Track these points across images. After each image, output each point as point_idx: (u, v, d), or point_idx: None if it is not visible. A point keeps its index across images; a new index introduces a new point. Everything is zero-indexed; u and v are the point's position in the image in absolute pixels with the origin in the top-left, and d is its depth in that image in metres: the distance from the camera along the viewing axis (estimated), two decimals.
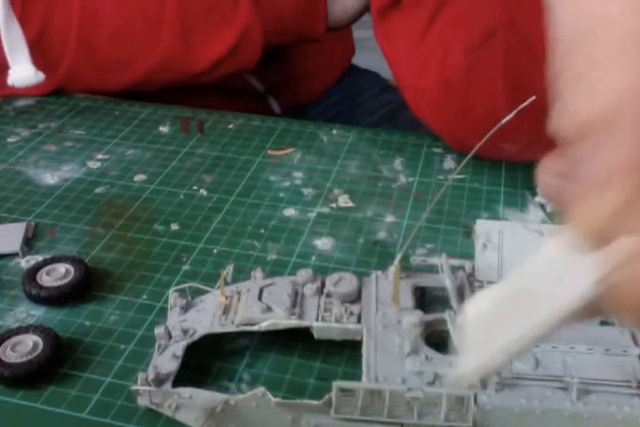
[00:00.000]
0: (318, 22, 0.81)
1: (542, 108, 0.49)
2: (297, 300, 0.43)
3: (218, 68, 0.77)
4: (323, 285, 0.44)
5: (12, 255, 0.54)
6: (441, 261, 0.44)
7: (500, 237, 0.44)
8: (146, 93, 0.79)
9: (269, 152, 0.68)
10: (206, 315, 0.44)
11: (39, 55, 0.74)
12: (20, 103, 0.77)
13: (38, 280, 0.49)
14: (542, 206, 0.59)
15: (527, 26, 0.44)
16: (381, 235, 0.56)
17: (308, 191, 0.62)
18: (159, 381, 0.40)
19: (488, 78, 0.53)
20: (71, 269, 0.50)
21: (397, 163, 0.66)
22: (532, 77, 0.47)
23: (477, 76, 0.55)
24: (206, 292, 0.46)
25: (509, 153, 0.60)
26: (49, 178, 0.64)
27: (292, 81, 0.95)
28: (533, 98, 0.38)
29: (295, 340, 0.45)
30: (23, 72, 0.71)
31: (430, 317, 0.41)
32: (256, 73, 0.82)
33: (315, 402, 0.37)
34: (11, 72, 0.70)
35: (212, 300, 0.45)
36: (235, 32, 0.75)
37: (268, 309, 0.42)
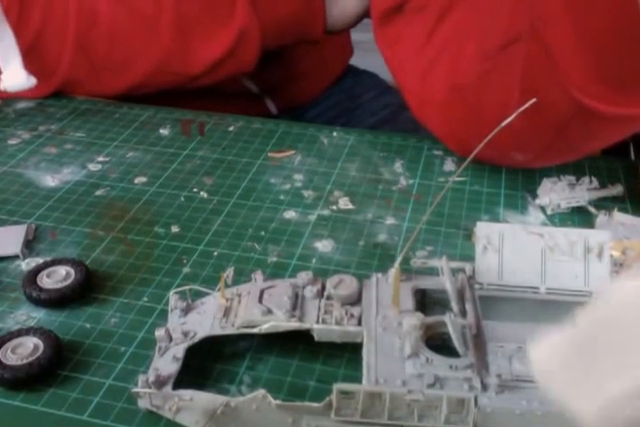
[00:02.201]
0: (316, 24, 0.81)
1: (554, 119, 0.49)
2: (297, 302, 0.43)
3: (216, 70, 0.77)
4: (323, 287, 0.44)
5: (13, 258, 0.54)
6: (441, 263, 0.44)
7: (501, 239, 0.44)
8: (142, 96, 0.79)
9: (270, 154, 0.68)
10: (207, 317, 0.44)
11: (36, 58, 0.74)
12: (21, 105, 0.77)
13: (39, 283, 0.49)
14: (543, 209, 0.59)
15: (549, 37, 0.44)
16: (382, 237, 0.56)
17: (308, 194, 0.62)
18: (160, 383, 0.40)
19: (503, 87, 0.53)
20: (72, 271, 0.50)
21: (398, 165, 0.66)
22: (549, 90, 0.47)
23: (491, 84, 0.55)
24: (207, 294, 0.46)
25: (517, 162, 0.60)
26: (49, 180, 0.64)
27: (289, 81, 0.95)
28: (534, 100, 0.38)
29: (295, 342, 0.45)
30: (15, 77, 0.71)
31: (431, 319, 0.41)
32: (252, 73, 0.82)
33: (315, 404, 0.37)
34: (2, 77, 0.70)
35: (213, 302, 0.45)
36: (232, 34, 0.75)
37: (269, 311, 0.42)
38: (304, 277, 0.45)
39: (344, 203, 0.61)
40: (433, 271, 0.46)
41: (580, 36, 0.42)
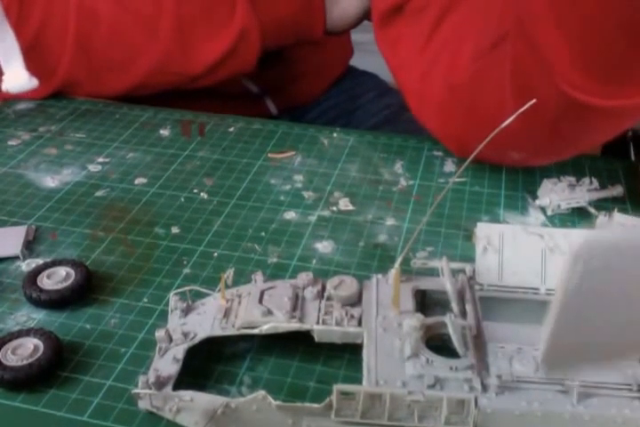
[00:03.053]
0: (316, 25, 0.81)
1: (547, 115, 0.49)
2: (297, 303, 0.43)
3: (216, 71, 0.78)
4: (323, 288, 0.44)
5: (13, 259, 0.54)
6: (441, 264, 0.44)
7: (501, 240, 0.44)
8: (142, 97, 0.79)
9: (270, 155, 0.68)
10: (207, 318, 0.44)
11: (36, 59, 0.74)
12: (21, 106, 0.77)
13: (39, 283, 0.49)
14: (543, 210, 0.59)
15: (536, 36, 0.44)
16: (382, 238, 0.56)
17: (308, 194, 0.62)
18: (160, 384, 0.39)
19: (495, 85, 0.53)
20: (72, 272, 0.50)
21: (398, 166, 0.66)
22: (539, 87, 0.47)
23: (484, 83, 0.55)
24: (207, 295, 0.46)
25: (515, 160, 0.60)
26: (49, 181, 0.64)
27: (289, 82, 0.95)
28: (534, 101, 0.38)
29: (296, 343, 0.45)
30: (17, 78, 0.71)
31: (431, 320, 0.41)
32: (252, 74, 0.82)
33: (315, 405, 0.37)
34: (4, 78, 0.71)
35: (213, 303, 0.45)
36: (232, 34, 0.75)
37: (269, 312, 0.42)
38: (304, 278, 0.45)
39: (344, 204, 0.61)
40: (433, 272, 0.46)
41: (565, 29, 0.42)
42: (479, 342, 0.40)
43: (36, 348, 0.43)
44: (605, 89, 0.44)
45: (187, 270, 0.53)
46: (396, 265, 0.42)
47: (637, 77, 0.43)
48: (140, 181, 0.64)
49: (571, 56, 0.43)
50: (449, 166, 0.66)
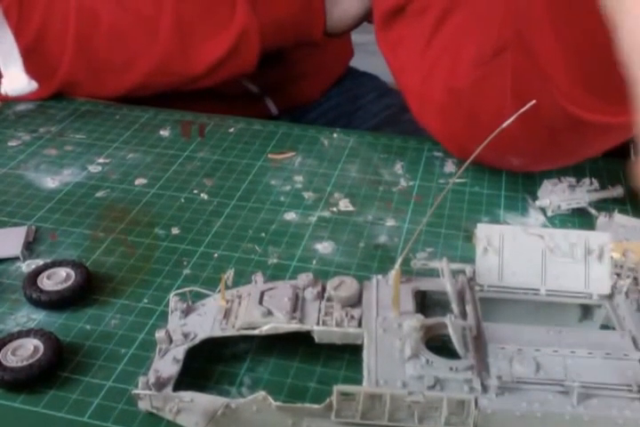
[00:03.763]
0: (316, 26, 0.81)
1: (545, 125, 0.49)
2: (298, 304, 0.43)
3: (216, 71, 0.78)
4: (323, 289, 0.44)
5: (13, 259, 0.54)
6: (442, 265, 0.44)
7: (501, 241, 0.44)
8: (142, 98, 0.79)
9: (270, 156, 0.68)
10: (207, 319, 0.44)
11: (37, 60, 0.74)
12: (21, 107, 0.77)
13: (39, 284, 0.49)
14: (543, 210, 0.59)
15: (535, 45, 0.44)
16: (382, 239, 0.56)
17: (308, 195, 0.62)
18: (160, 385, 0.39)
19: (496, 92, 0.53)
20: (72, 273, 0.50)
21: (398, 167, 0.66)
22: (538, 96, 0.47)
23: (485, 89, 0.55)
24: (207, 296, 0.46)
25: (514, 166, 0.60)
26: (49, 182, 0.64)
27: (289, 82, 0.95)
28: (533, 102, 0.38)
29: (296, 344, 0.45)
30: (16, 81, 0.71)
31: (431, 321, 0.41)
32: (252, 74, 0.82)
33: (315, 406, 0.37)
34: (4, 81, 0.71)
35: (213, 304, 0.45)
36: (232, 35, 0.75)
37: (269, 313, 0.42)
38: (304, 278, 0.45)
39: (344, 204, 0.61)
40: (433, 273, 0.46)
41: (564, 45, 0.42)
42: (479, 343, 0.40)
43: (36, 349, 0.43)
44: (602, 105, 0.43)
45: (187, 271, 0.53)
46: (397, 266, 0.42)
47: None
48: (140, 181, 0.64)
49: (568, 70, 0.43)
50: (449, 167, 0.66)
